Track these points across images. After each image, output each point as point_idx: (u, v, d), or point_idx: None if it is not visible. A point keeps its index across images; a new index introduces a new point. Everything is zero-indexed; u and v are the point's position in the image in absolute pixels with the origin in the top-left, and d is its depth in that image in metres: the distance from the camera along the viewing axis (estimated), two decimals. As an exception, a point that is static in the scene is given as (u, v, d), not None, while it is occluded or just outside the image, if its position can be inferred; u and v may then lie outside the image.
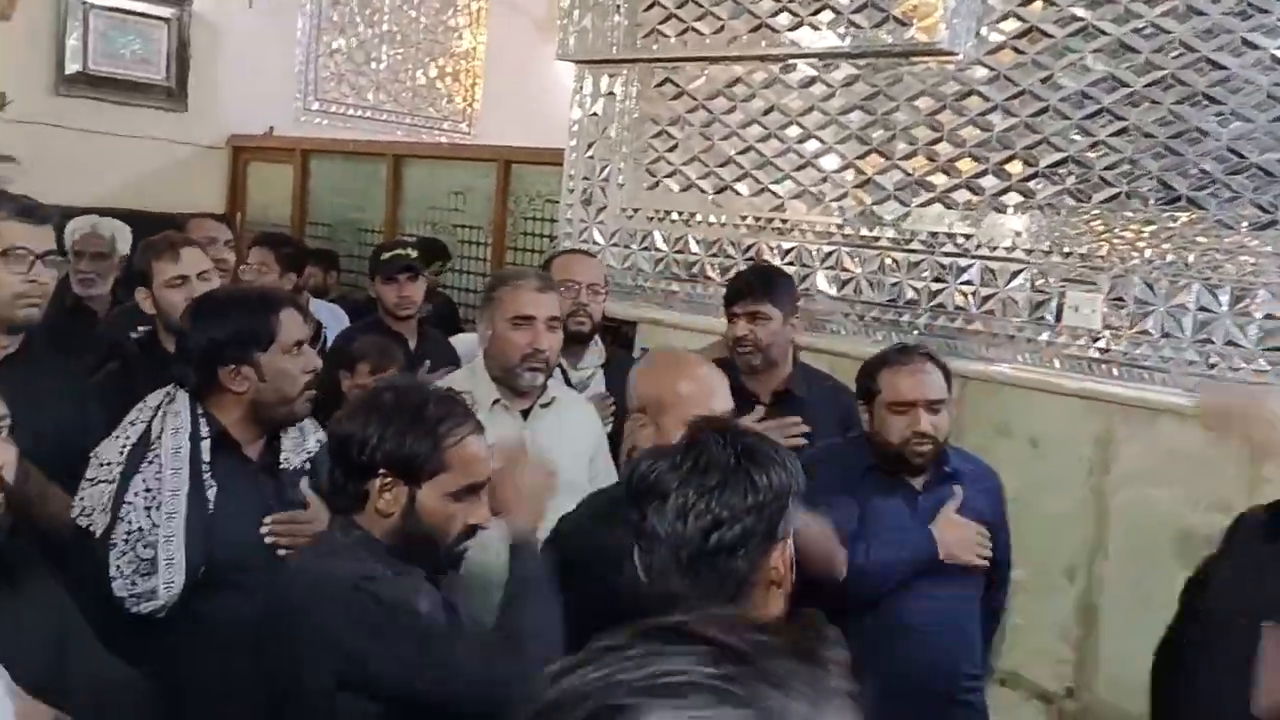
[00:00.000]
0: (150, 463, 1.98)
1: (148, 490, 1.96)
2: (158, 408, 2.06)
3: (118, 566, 1.92)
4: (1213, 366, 2.70)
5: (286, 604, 1.64)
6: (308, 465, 2.17)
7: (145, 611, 1.93)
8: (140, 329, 2.90)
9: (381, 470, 1.62)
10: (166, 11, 5.84)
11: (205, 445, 2.02)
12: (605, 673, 0.58)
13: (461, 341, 3.60)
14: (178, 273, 2.65)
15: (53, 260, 2.24)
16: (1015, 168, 3.01)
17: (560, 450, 2.54)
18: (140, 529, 1.93)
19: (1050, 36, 2.93)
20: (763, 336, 2.83)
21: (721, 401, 2.00)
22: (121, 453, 2.00)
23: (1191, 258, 2.75)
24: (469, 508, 1.67)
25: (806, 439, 2.66)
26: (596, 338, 3.12)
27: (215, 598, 1.99)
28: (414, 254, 3.69)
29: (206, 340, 2.05)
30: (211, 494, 2.00)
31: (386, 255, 3.65)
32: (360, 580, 1.58)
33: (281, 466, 2.13)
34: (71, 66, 5.57)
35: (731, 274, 3.53)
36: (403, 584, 1.63)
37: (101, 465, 2.01)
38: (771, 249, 3.47)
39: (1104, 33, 2.85)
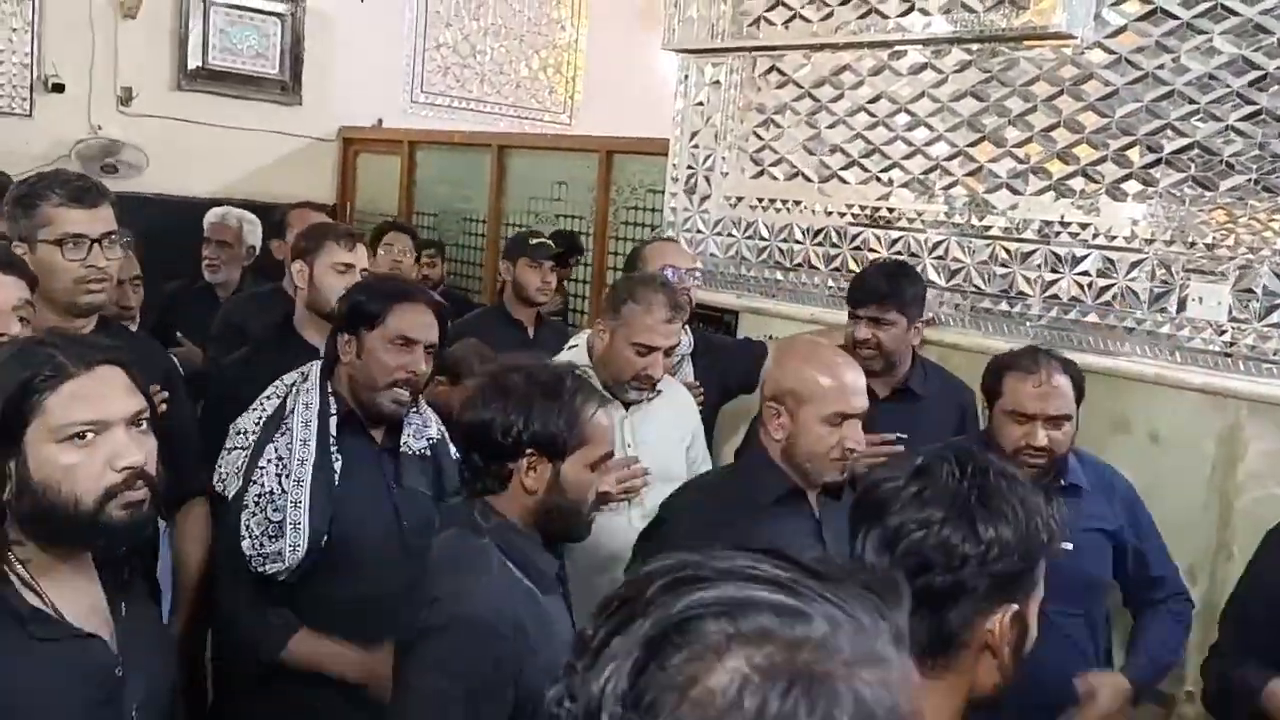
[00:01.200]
0: (283, 434, 2.09)
1: (279, 458, 2.06)
2: (293, 385, 2.17)
3: (247, 526, 2.03)
4: (1348, 362, 2.58)
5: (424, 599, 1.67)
6: (428, 452, 2.24)
7: (270, 572, 2.03)
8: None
9: (529, 450, 1.67)
10: (281, 7, 6.01)
11: (333, 421, 2.12)
12: (695, 557, 0.69)
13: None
14: (348, 260, 2.73)
15: (114, 240, 2.22)
16: (1136, 154, 2.91)
17: (660, 438, 2.58)
18: (270, 492, 2.04)
19: (1176, 18, 2.82)
20: (885, 341, 2.77)
21: (861, 400, 2.01)
22: (258, 423, 2.13)
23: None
24: (601, 476, 1.76)
25: (925, 437, 2.61)
26: (685, 325, 3.12)
27: (333, 577, 2.07)
28: (559, 248, 3.77)
29: (340, 310, 2.21)
30: (338, 467, 2.08)
31: (535, 240, 3.71)
32: (488, 616, 1.59)
33: (403, 450, 2.20)
34: (193, 62, 5.77)
35: (836, 264, 3.50)
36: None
37: (238, 434, 2.14)
38: (878, 239, 3.42)
39: (1234, 13, 2.73)
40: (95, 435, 1.35)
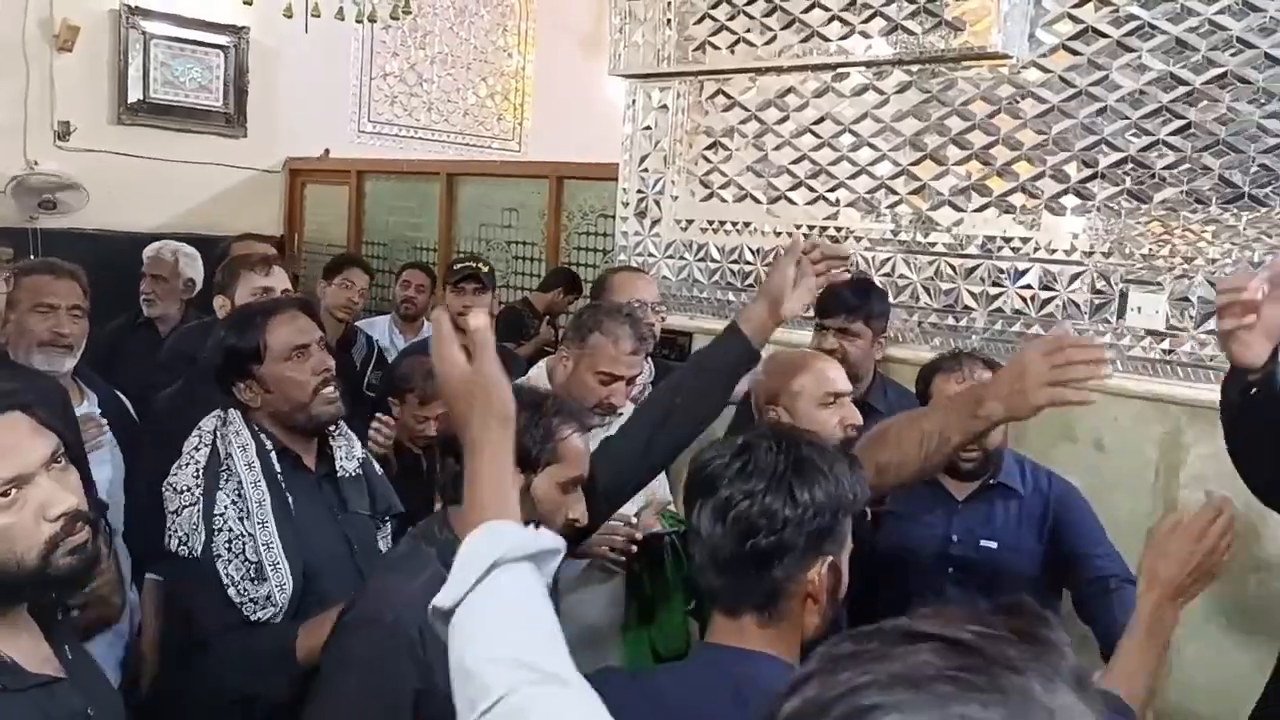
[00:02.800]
0: (227, 480, 2.02)
1: (234, 503, 2.00)
2: (214, 430, 2.10)
3: (228, 575, 1.95)
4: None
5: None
6: (360, 471, 2.21)
7: (265, 618, 1.96)
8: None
9: None
10: (224, 39, 5.99)
11: (273, 456, 2.07)
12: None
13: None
14: (266, 284, 2.70)
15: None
16: (1073, 169, 2.99)
17: None
18: (239, 535, 1.97)
19: (1106, 36, 2.92)
20: (852, 353, 2.83)
21: (845, 382, 2.20)
22: (197, 476, 2.03)
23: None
24: (573, 501, 1.75)
25: None
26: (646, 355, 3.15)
27: (301, 609, 2.02)
28: (484, 269, 3.76)
29: (214, 361, 2.12)
30: (291, 502, 2.05)
31: (457, 266, 3.76)
32: (398, 621, 1.57)
33: (339, 474, 2.16)
34: (133, 95, 5.72)
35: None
36: None
37: (181, 493, 2.03)
38: (826, 257, 3.47)
39: (1161, 31, 2.83)
40: (18, 491, 1.30)
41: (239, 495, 2.01)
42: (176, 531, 2.01)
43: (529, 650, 0.98)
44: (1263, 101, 2.69)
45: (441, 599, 1.03)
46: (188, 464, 2.05)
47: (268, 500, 2.02)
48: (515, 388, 1.72)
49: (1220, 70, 2.75)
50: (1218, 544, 1.52)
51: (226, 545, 1.97)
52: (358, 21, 4.82)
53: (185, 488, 2.03)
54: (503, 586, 1.03)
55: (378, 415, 2.79)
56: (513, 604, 1.02)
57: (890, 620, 0.62)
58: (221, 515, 1.99)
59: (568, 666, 0.99)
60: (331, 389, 2.12)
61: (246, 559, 1.96)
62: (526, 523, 1.65)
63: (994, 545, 2.42)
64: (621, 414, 2.54)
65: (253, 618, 1.96)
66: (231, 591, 1.95)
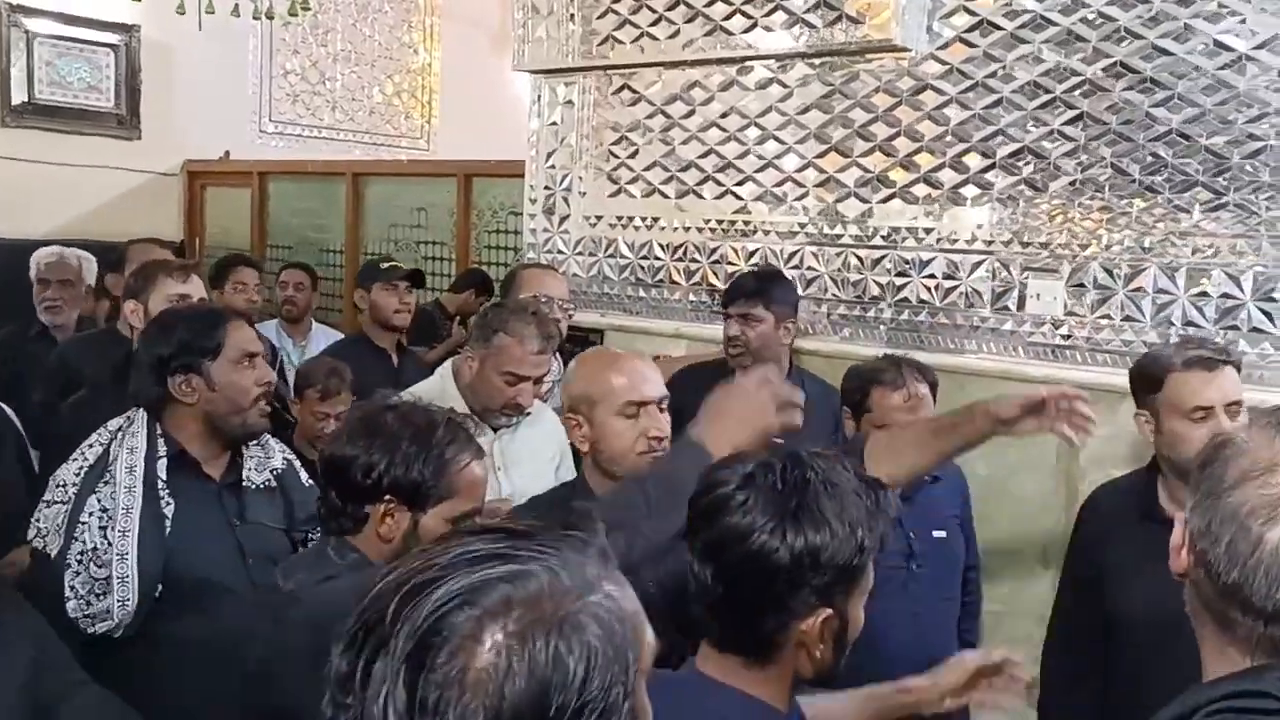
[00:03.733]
0: (106, 483, 1.98)
1: (103, 510, 1.95)
2: (118, 430, 2.06)
3: (72, 587, 1.91)
4: (1174, 347, 2.74)
5: (291, 629, 1.55)
6: (273, 483, 2.16)
7: (100, 632, 1.92)
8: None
9: (387, 496, 1.58)
10: (114, 38, 5.78)
11: (161, 464, 2.02)
12: (418, 562, 0.76)
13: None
14: (183, 292, 2.64)
15: None
16: (973, 160, 3.05)
17: (531, 457, 2.57)
18: (94, 548, 1.92)
19: (1000, 29, 2.97)
20: (753, 338, 2.84)
21: (654, 388, 1.94)
22: (78, 475, 2.00)
23: (1148, 242, 2.79)
24: None
25: (801, 442, 2.68)
26: (555, 353, 3.12)
27: (175, 619, 1.97)
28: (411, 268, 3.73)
29: (156, 353, 2.06)
30: (169, 512, 1.99)
31: (386, 265, 3.69)
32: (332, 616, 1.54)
33: (244, 484, 2.12)
34: (17, 97, 5.50)
35: (696, 278, 3.56)
36: None
37: (57, 487, 2.00)
38: (736, 251, 3.48)
39: (1053, 23, 2.89)
40: None
41: (112, 500, 1.96)
42: (39, 522, 2.00)
43: None
44: (1152, 91, 2.77)
45: None
46: (76, 459, 2.02)
47: (137, 509, 1.97)
48: (404, 413, 1.64)
49: (1111, 61, 2.82)
50: (764, 404, 1.63)
51: (78, 557, 1.93)
52: (255, 18, 4.68)
53: (62, 483, 2.01)
54: None
55: None
56: None
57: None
58: (84, 524, 1.95)
59: None
60: (265, 404, 2.12)
61: (92, 575, 1.92)
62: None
63: (943, 534, 2.48)
64: (529, 413, 2.51)
65: (88, 630, 1.91)
66: (71, 604, 1.91)
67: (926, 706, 1.61)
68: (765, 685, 1.21)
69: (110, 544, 1.93)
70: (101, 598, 1.91)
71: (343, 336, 4.46)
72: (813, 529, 1.17)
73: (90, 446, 2.04)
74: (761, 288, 2.90)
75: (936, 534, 2.47)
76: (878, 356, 2.67)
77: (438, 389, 2.53)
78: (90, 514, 1.95)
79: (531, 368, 2.45)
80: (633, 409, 1.89)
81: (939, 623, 2.49)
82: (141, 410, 2.08)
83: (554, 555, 0.76)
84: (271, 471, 2.16)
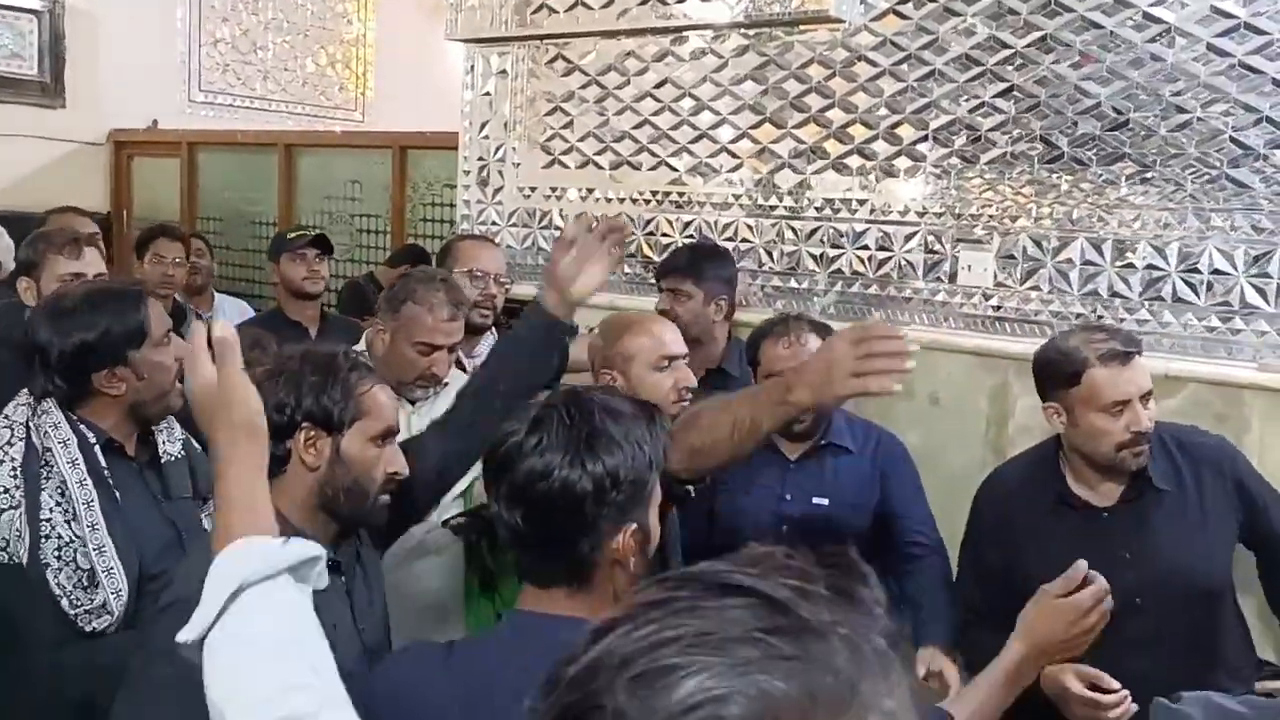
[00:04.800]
0: (49, 479, 1.89)
1: (59, 504, 1.87)
2: (26, 422, 1.94)
3: (59, 584, 1.83)
4: (1100, 318, 2.77)
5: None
6: (182, 453, 2.11)
7: (101, 628, 1.84)
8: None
9: (304, 424, 1.61)
10: (37, 3, 5.59)
11: (98, 452, 1.94)
12: (648, 630, 0.55)
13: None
14: (76, 270, 2.53)
15: None
16: (906, 131, 3.05)
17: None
18: (69, 541, 1.84)
19: (934, 1, 2.97)
20: (682, 314, 2.81)
21: (679, 344, 2.17)
22: (15, 475, 1.89)
23: (1076, 214, 2.82)
24: (390, 455, 1.68)
25: None
26: (492, 327, 3.08)
27: (143, 607, 1.90)
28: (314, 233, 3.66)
29: (75, 345, 1.92)
30: (120, 497, 1.93)
31: (292, 234, 3.62)
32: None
33: (163, 459, 2.06)
34: (-65, 63, 5.30)
35: (631, 249, 3.53)
36: None
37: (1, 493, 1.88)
38: (671, 223, 3.46)
39: (984, -5, 2.90)
40: None
41: (63, 495, 1.87)
42: None
43: (287, 679, 0.93)
44: (1079, 64, 2.79)
45: (186, 632, 0.96)
46: (2, 461, 1.89)
47: (96, 500, 1.89)
48: (305, 353, 1.68)
49: (1041, 33, 2.83)
50: (1094, 625, 1.54)
51: (56, 553, 1.84)
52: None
53: (2, 488, 1.88)
54: (252, 609, 0.96)
55: None
56: (263, 629, 0.96)
57: (709, 565, 0.59)
58: (48, 520, 1.85)
59: (332, 684, 0.96)
60: (181, 378, 2.01)
61: (78, 566, 1.84)
62: (341, 487, 1.61)
63: (825, 502, 2.46)
64: (447, 383, 2.47)
65: (88, 629, 1.84)
66: (65, 603, 1.82)
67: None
68: (590, 606, 1.28)
69: (82, 539, 1.85)
70: (90, 591, 1.84)
71: (242, 303, 4.43)
72: (607, 453, 1.27)
73: (9, 444, 1.92)
74: (693, 263, 2.88)
75: (817, 501, 2.46)
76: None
77: None
78: (50, 510, 1.86)
79: (444, 336, 2.38)
80: (665, 362, 2.11)
81: None
82: (49, 402, 1.96)
83: (824, 649, 0.54)
84: (179, 441, 2.11)
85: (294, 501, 1.62)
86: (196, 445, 2.17)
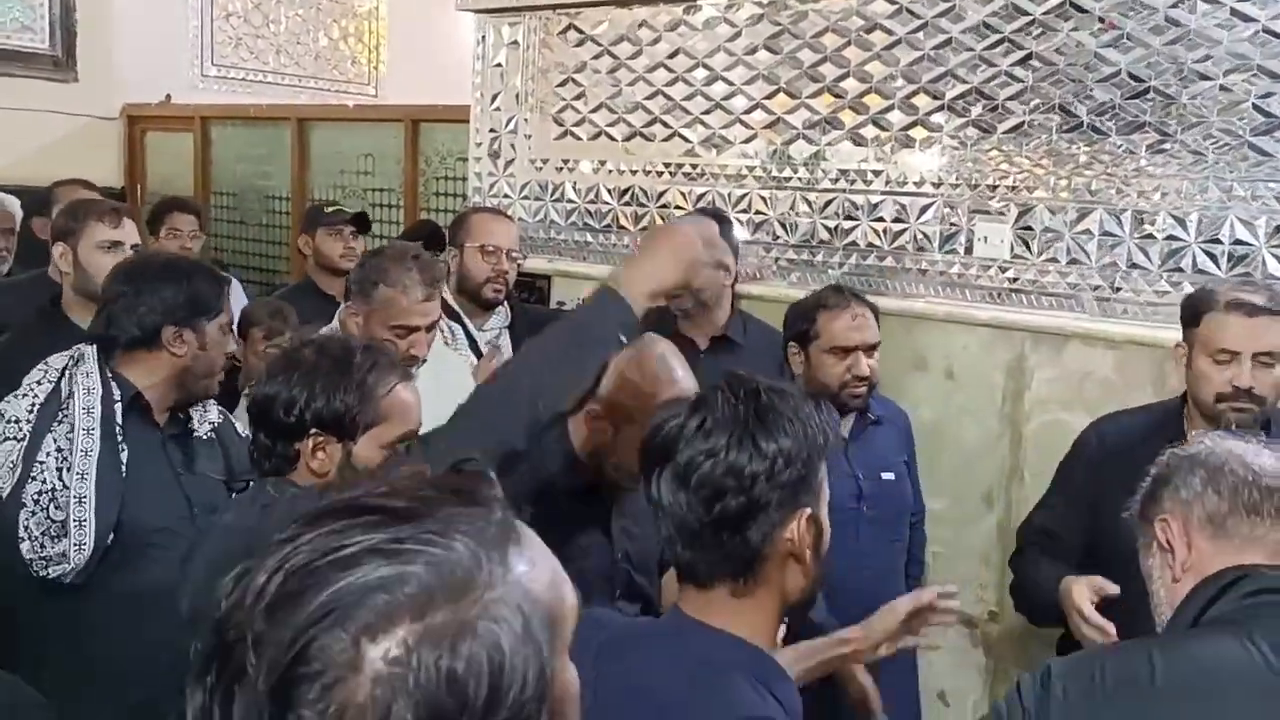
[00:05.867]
0: (60, 422, 1.93)
1: (59, 450, 1.91)
2: (64, 369, 1.99)
3: (26, 527, 1.87)
4: (1118, 290, 2.74)
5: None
6: (213, 434, 2.15)
7: (53, 576, 1.88)
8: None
9: (313, 430, 1.56)
10: (48, -24, 5.57)
11: (118, 408, 1.98)
12: (277, 560, 0.62)
13: None
14: (115, 238, 2.57)
15: None
16: (922, 101, 3.01)
17: (435, 405, 2.50)
18: (52, 489, 1.88)
19: (950, -33, 2.92)
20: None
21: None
22: (31, 410, 1.94)
23: (1094, 184, 2.78)
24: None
25: None
26: (505, 302, 3.07)
27: (125, 568, 1.95)
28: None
29: (162, 297, 2.01)
30: (124, 457, 1.96)
31: (330, 209, 3.63)
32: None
33: (194, 434, 2.10)
34: (-54, 37, 5.29)
35: (644, 223, 3.51)
36: None
37: (9, 422, 1.94)
38: (684, 194, 3.43)
39: (1002, -39, 2.84)
40: None
41: (68, 441, 1.91)
42: None
43: None
44: (1099, 32, 2.74)
45: None
46: (25, 395, 1.96)
47: (96, 452, 1.92)
48: (321, 345, 1.63)
49: (1060, 0, 2.78)
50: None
51: (35, 497, 1.88)
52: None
53: (14, 418, 1.94)
54: None
55: None
56: None
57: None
58: (42, 463, 1.89)
59: None
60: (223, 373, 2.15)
61: (51, 517, 1.87)
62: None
63: (892, 476, 2.48)
64: (423, 361, 2.39)
65: (40, 573, 1.87)
66: (25, 546, 1.86)
67: (865, 656, 1.62)
68: (754, 613, 1.21)
69: (67, 486, 1.88)
70: (56, 540, 1.86)
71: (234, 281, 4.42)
72: (779, 432, 1.19)
73: (39, 383, 1.98)
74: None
75: (885, 476, 2.48)
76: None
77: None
78: (47, 453, 1.90)
79: (420, 317, 2.30)
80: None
81: (886, 566, 2.49)
82: (90, 349, 2.01)
83: (444, 543, 0.62)
84: (210, 423, 2.15)
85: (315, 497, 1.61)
86: (238, 429, 2.19)
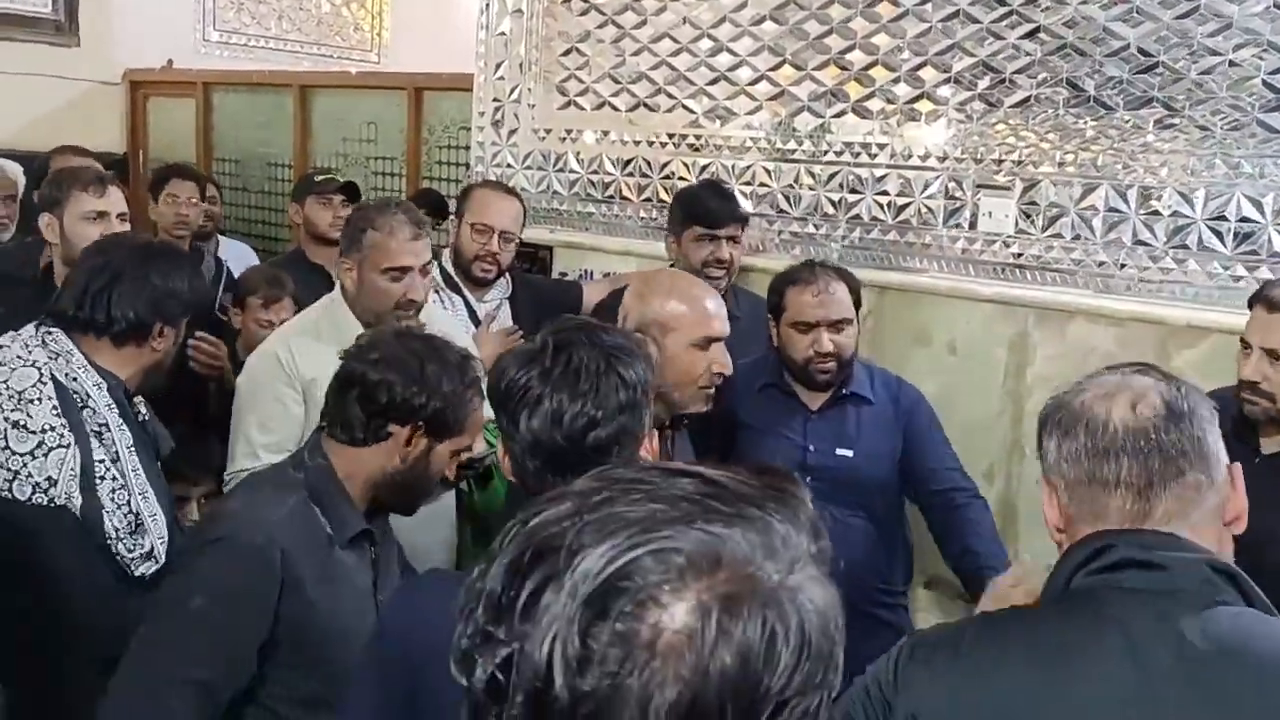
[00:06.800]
0: (90, 419, 1.90)
1: (102, 447, 1.88)
2: (41, 361, 1.91)
3: (114, 528, 1.84)
4: (1122, 267, 2.73)
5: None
6: (146, 417, 2.10)
7: (149, 574, 1.86)
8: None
9: (419, 423, 1.65)
10: (49, -60, 5.53)
11: (124, 393, 1.98)
12: (598, 488, 0.64)
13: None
14: (100, 208, 2.54)
15: None
16: (928, 74, 2.98)
17: None
18: (120, 484, 1.87)
19: (959, -62, 2.89)
20: (736, 258, 2.90)
21: (724, 324, 2.00)
22: (56, 413, 1.85)
23: (1100, 160, 2.76)
24: (453, 464, 1.75)
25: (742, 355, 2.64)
26: (506, 273, 3.06)
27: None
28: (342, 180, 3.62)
29: (167, 290, 1.98)
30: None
31: (320, 177, 3.60)
32: (253, 540, 1.57)
33: (144, 418, 2.07)
34: (-53, 0, 5.25)
35: (647, 194, 3.49)
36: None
37: (44, 432, 1.83)
38: (688, 166, 3.41)
39: (1012, -68, 2.81)
40: None
41: (101, 440, 1.88)
42: (32, 476, 1.81)
43: None
44: (1109, 5, 2.71)
45: None
46: (36, 401, 1.84)
47: (132, 443, 1.91)
48: (437, 347, 1.68)
49: (1069, -28, 2.75)
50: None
51: (111, 496, 1.84)
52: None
53: (48, 426, 1.83)
54: None
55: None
56: None
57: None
58: (101, 461, 1.86)
59: None
60: None
61: (130, 510, 1.86)
62: (409, 483, 1.68)
63: (850, 454, 2.46)
64: (421, 305, 2.40)
65: (137, 573, 1.85)
66: (120, 546, 1.84)
67: None
68: None
69: (127, 483, 1.87)
70: (138, 536, 1.86)
71: (245, 247, 4.44)
72: (632, 365, 1.36)
73: (39, 384, 1.86)
74: (740, 207, 2.96)
75: (840, 452, 2.45)
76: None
77: (324, 307, 2.45)
78: (101, 454, 1.87)
79: (411, 256, 2.33)
80: (706, 343, 1.95)
81: (844, 541, 2.45)
82: (59, 334, 1.93)
83: (764, 518, 0.63)
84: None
85: (360, 474, 1.66)
86: (144, 412, 2.13)
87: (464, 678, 0.61)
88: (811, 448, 2.44)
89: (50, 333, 1.93)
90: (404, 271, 2.33)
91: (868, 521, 2.45)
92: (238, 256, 4.10)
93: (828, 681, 0.62)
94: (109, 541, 1.82)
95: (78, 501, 1.81)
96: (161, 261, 2.02)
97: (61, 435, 1.83)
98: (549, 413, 1.30)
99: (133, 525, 1.85)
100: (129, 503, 1.85)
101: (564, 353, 1.34)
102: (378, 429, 1.65)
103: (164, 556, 1.87)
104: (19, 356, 1.90)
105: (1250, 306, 2.14)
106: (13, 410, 1.83)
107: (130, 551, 1.84)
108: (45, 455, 1.82)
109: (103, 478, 1.84)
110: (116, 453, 1.87)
